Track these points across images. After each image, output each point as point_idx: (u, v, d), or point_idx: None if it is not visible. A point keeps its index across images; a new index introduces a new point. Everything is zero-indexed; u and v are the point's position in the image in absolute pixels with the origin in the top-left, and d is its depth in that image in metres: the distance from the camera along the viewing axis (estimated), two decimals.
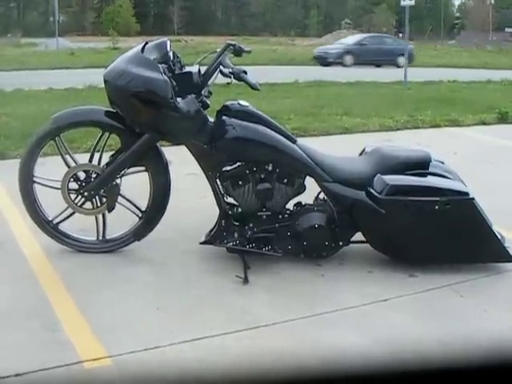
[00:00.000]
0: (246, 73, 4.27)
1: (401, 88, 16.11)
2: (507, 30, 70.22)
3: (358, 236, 4.52)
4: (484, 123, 10.83)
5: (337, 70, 23.65)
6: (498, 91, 15.85)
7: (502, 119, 10.96)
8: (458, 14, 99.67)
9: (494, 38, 64.61)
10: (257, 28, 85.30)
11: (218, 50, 4.48)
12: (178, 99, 4.19)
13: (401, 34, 74.51)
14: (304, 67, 24.57)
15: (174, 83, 4.17)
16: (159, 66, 4.15)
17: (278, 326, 3.62)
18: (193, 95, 4.26)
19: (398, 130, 9.98)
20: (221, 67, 4.29)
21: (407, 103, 12.74)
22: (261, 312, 3.77)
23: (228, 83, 4.31)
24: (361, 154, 4.81)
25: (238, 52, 4.49)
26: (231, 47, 4.45)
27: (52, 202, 4.63)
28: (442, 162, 4.72)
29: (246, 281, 4.14)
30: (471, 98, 13.78)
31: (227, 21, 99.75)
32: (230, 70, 4.25)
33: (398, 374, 1.87)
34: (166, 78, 4.10)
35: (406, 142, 7.93)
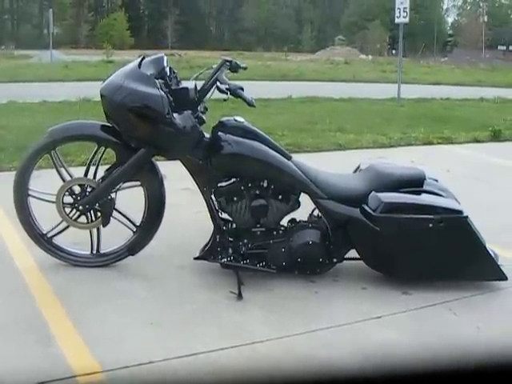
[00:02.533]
0: (242, 89, 4.29)
1: (394, 105, 16.18)
2: (500, 47, 70.74)
3: (352, 253, 4.53)
4: (477, 141, 10.89)
5: None
6: (490, 109, 15.95)
7: (495, 137, 11.02)
8: (450, 32, 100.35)
9: (487, 55, 64.98)
10: (250, 43, 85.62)
11: (214, 65, 4.50)
12: (175, 115, 4.21)
13: (394, 51, 75.14)
14: (297, 83, 24.59)
15: (171, 99, 4.19)
16: (156, 81, 4.16)
17: (273, 342, 3.62)
18: (189, 111, 4.29)
19: (391, 146, 10.02)
20: (217, 83, 4.31)
21: (400, 120, 12.80)
22: (256, 328, 3.77)
23: (225, 99, 4.32)
24: (355, 171, 4.83)
25: (235, 68, 4.51)
26: (227, 63, 4.47)
27: (46, 215, 4.63)
28: (436, 180, 4.74)
29: (240, 297, 4.14)
30: (464, 116, 13.87)
31: (221, 35, 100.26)
32: (227, 86, 4.27)
33: None
34: (162, 93, 4.11)
35: (400, 160, 7.95)
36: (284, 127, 10.75)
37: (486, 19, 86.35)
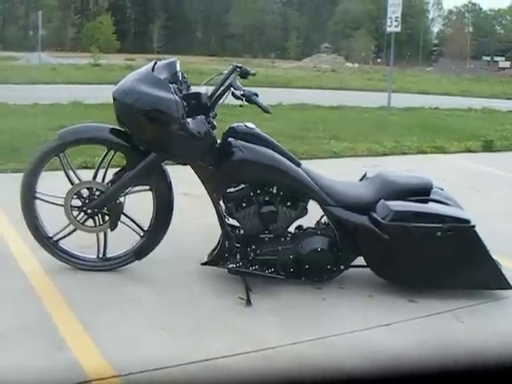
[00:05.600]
0: (257, 95, 4.30)
1: (384, 113, 16.26)
2: (484, 58, 71.41)
3: (358, 260, 4.55)
4: (469, 151, 11.00)
5: None
6: (480, 119, 16.10)
7: (487, 147, 11.12)
8: (436, 41, 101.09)
9: (472, 65, 65.62)
10: (236, 49, 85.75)
11: (225, 71, 4.51)
12: (188, 120, 4.20)
13: (379, 59, 75.49)
14: (285, 90, 24.66)
15: (184, 103, 4.18)
16: (170, 85, 4.15)
17: (284, 348, 3.63)
18: (202, 116, 4.28)
19: (385, 155, 10.08)
20: (232, 89, 4.31)
21: (392, 129, 12.87)
22: (266, 334, 3.77)
23: (241, 105, 4.32)
24: (361, 179, 4.85)
25: (244, 74, 4.50)
26: (238, 69, 4.47)
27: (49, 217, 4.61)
28: (442, 189, 4.78)
29: (248, 303, 4.14)
30: (454, 126, 13.99)
31: (207, 41, 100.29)
32: (242, 92, 4.27)
33: None
34: (177, 98, 4.10)
35: (395, 168, 7.98)
36: (278, 134, 10.66)
37: (471, 29, 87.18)
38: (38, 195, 4.50)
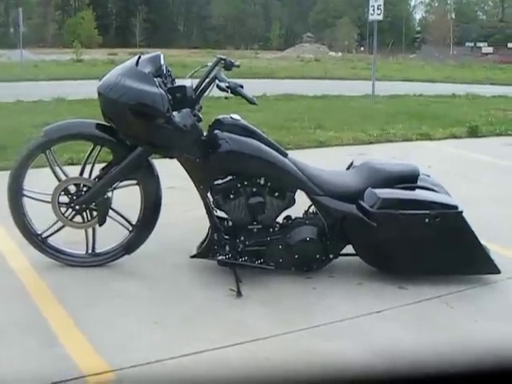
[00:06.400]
0: (242, 87, 4.30)
1: (369, 102, 16.27)
2: (467, 44, 71.61)
3: (347, 249, 4.57)
4: (455, 137, 11.02)
5: None
6: (464, 105, 16.14)
7: (472, 133, 11.14)
8: (418, 28, 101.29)
9: (455, 51, 65.81)
10: (219, 41, 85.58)
11: (209, 63, 4.50)
12: (174, 113, 4.20)
13: (362, 48, 75.56)
14: (269, 80, 24.65)
15: (170, 97, 4.17)
16: (155, 79, 4.15)
17: (276, 338, 3.64)
18: (188, 109, 4.28)
19: (371, 143, 10.10)
20: (217, 81, 4.31)
21: (377, 117, 12.88)
22: (258, 325, 3.78)
23: (226, 97, 4.33)
24: (348, 168, 4.86)
25: (229, 66, 4.49)
26: (222, 61, 4.47)
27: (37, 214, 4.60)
28: (429, 176, 4.80)
29: (239, 294, 4.15)
30: (439, 112, 14.01)
31: (189, 33, 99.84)
32: (227, 84, 4.27)
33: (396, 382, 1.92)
34: (162, 91, 4.09)
35: (381, 156, 8.00)
36: (263, 125, 10.65)
37: (453, 16, 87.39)
38: (25, 193, 4.49)
